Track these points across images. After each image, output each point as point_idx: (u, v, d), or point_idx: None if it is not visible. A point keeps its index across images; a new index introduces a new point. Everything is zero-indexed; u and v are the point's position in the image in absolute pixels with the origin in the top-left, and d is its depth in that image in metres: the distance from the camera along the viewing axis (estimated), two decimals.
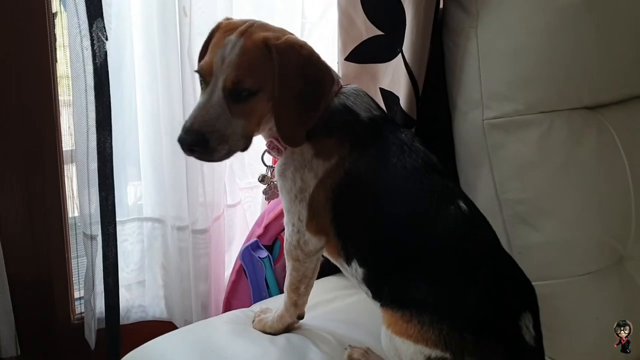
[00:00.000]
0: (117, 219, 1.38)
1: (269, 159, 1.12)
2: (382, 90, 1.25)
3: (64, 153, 1.41)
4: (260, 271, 1.41)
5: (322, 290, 1.27)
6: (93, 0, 1.20)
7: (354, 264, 0.98)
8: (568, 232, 1.11)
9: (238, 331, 1.11)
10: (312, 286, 1.09)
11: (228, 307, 1.50)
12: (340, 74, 1.29)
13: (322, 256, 1.07)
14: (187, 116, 0.90)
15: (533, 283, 0.95)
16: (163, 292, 1.56)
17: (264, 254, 1.42)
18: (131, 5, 1.36)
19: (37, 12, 1.29)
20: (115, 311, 1.43)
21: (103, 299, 1.42)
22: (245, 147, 0.95)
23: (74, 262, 1.50)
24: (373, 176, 0.96)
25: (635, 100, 1.24)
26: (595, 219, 1.13)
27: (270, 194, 1.15)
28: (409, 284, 0.90)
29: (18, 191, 1.37)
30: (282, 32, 0.96)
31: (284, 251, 1.05)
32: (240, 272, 1.47)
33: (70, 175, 1.43)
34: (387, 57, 1.22)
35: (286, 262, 1.06)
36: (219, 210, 1.53)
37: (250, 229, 1.52)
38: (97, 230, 1.36)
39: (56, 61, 1.35)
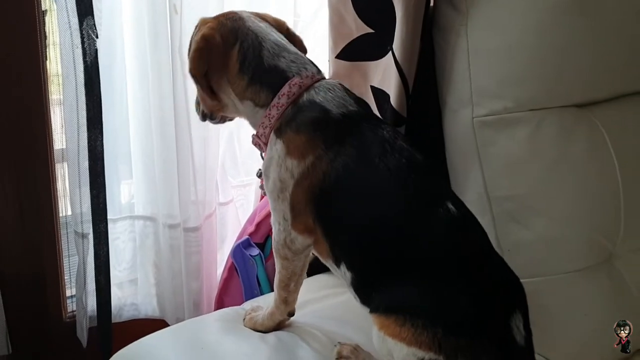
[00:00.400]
0: (109, 217, 1.38)
1: None
2: (373, 88, 1.25)
3: (55, 151, 1.40)
4: (251, 269, 1.41)
5: (313, 289, 1.27)
6: None
7: (343, 267, 0.97)
8: (557, 230, 1.11)
9: (229, 329, 1.11)
10: (301, 283, 1.09)
11: (220, 304, 1.50)
12: (331, 72, 1.29)
13: (312, 254, 1.07)
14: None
15: (522, 280, 0.94)
16: (155, 290, 1.56)
17: (255, 251, 1.42)
18: (122, 3, 1.35)
19: (27, 10, 1.28)
20: (107, 309, 1.43)
21: (95, 297, 1.42)
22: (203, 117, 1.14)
23: (65, 261, 1.50)
24: (353, 178, 0.93)
25: (626, 98, 1.24)
26: (584, 217, 1.13)
27: None
28: (400, 289, 0.89)
29: (9, 190, 1.37)
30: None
31: (273, 250, 1.05)
32: (232, 269, 1.47)
33: (62, 174, 1.42)
34: (378, 55, 1.22)
35: (275, 260, 1.06)
36: (210, 208, 1.53)
37: (242, 226, 1.53)
38: (89, 229, 1.36)
39: (47, 59, 1.34)
